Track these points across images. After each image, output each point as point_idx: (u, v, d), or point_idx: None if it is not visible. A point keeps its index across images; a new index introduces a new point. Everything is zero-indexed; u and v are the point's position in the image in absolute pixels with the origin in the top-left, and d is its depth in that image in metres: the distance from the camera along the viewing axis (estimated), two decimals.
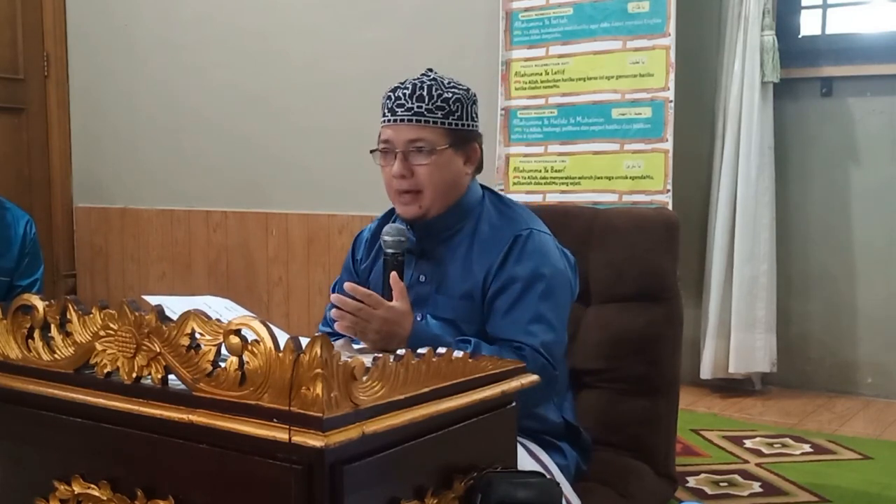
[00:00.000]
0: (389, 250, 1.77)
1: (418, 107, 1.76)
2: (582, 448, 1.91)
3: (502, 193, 2.00)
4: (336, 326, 1.71)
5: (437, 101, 1.76)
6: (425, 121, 1.76)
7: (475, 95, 1.85)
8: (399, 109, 1.77)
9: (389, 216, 1.95)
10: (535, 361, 1.65)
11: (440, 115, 1.77)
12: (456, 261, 1.81)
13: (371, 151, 1.83)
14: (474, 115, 1.83)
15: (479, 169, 1.88)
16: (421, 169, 1.77)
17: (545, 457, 1.77)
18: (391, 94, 1.80)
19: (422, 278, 1.83)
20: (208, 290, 3.94)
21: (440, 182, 1.79)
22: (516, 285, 1.75)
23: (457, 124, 1.78)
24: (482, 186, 1.91)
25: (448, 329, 1.78)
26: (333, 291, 2.01)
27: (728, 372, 3.61)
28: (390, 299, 1.71)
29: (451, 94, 1.78)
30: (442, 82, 1.79)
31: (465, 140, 1.81)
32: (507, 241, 1.78)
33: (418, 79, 1.79)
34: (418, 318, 1.77)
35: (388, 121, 1.80)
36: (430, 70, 1.83)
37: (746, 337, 3.57)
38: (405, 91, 1.77)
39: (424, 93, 1.76)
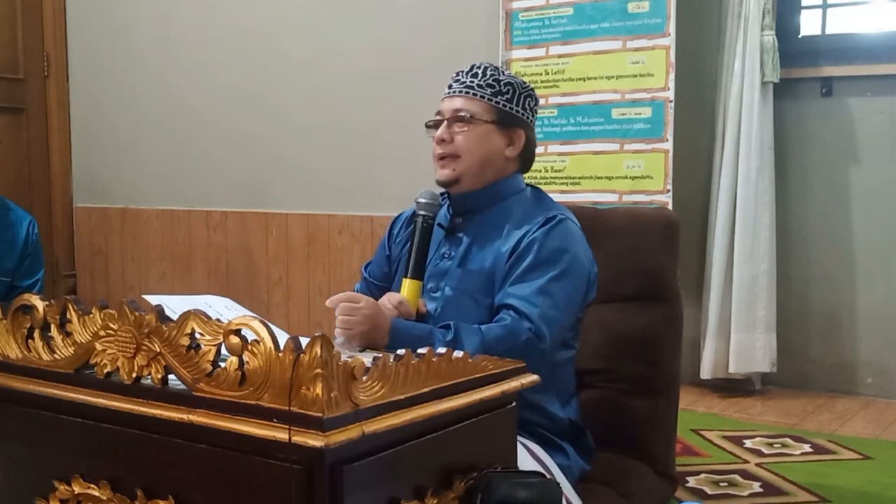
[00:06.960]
0: (421, 212, 1.87)
1: (470, 81, 1.88)
2: (585, 448, 1.92)
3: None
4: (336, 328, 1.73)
5: (489, 80, 1.87)
6: (473, 94, 1.87)
7: (533, 91, 1.93)
8: (455, 84, 1.91)
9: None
10: (518, 330, 1.69)
11: (489, 93, 1.87)
12: (483, 239, 1.87)
13: (426, 124, 1.93)
14: (526, 106, 1.91)
15: (526, 162, 1.95)
16: (459, 136, 1.87)
17: (546, 457, 1.77)
18: (454, 74, 1.92)
19: (449, 253, 1.89)
20: (208, 291, 3.93)
21: (476, 151, 1.87)
22: (536, 255, 1.78)
23: (504, 105, 1.87)
24: (529, 184, 1.97)
25: (459, 302, 1.82)
26: (365, 271, 2.10)
27: (728, 372, 3.61)
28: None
29: (504, 78, 1.89)
30: (501, 70, 1.92)
31: (510, 122, 1.89)
32: (539, 220, 1.84)
33: (481, 63, 1.91)
34: (436, 290, 1.85)
35: (445, 95, 1.91)
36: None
37: (746, 337, 3.57)
38: (464, 70, 1.91)
39: (479, 71, 1.89)
